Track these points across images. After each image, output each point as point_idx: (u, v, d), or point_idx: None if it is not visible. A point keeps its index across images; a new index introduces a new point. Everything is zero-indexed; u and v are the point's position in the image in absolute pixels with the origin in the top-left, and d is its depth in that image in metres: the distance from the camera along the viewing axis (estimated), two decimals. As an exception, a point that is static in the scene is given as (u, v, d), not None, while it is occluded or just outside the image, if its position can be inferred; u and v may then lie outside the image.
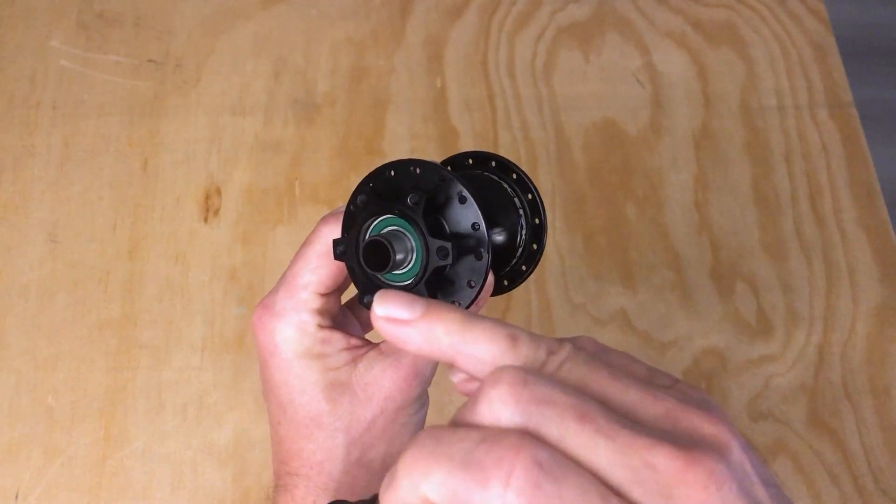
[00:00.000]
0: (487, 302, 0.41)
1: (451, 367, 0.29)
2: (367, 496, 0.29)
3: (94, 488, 0.61)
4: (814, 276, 0.72)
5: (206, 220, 0.72)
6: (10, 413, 0.63)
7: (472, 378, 0.28)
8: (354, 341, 0.42)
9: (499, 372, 0.24)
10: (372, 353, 0.41)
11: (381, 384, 0.40)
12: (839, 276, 0.72)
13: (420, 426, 0.43)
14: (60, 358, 0.66)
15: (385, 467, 0.42)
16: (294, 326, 0.41)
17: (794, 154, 0.77)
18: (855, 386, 0.68)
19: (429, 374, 0.41)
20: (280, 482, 0.42)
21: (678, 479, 0.22)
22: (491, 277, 0.38)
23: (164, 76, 0.77)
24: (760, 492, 0.24)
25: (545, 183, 0.75)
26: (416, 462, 0.23)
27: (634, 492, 0.22)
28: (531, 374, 0.24)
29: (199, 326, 0.67)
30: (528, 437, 0.23)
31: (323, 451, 0.41)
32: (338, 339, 0.41)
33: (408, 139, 0.76)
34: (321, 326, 0.41)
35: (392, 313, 0.28)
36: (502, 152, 0.73)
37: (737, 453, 0.23)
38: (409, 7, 0.83)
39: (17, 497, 0.61)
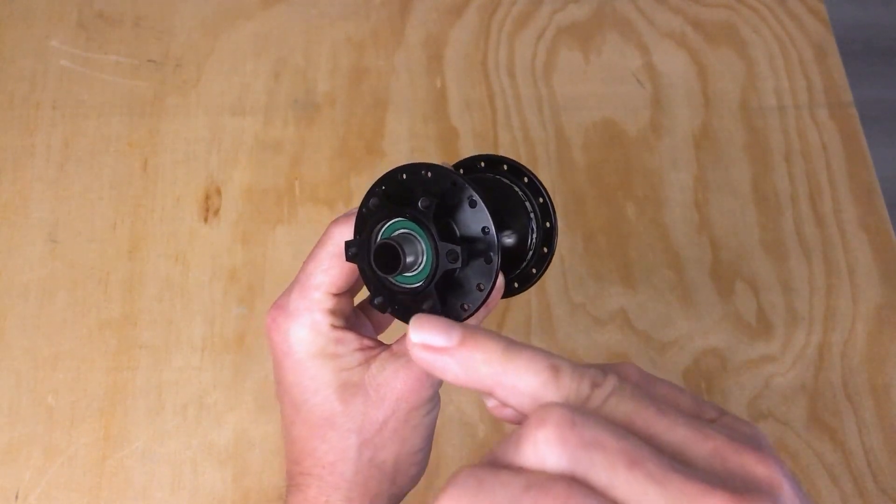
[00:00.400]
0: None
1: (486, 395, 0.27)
2: None
3: (94, 488, 0.61)
4: (814, 276, 0.72)
5: (206, 220, 0.71)
6: (10, 413, 0.63)
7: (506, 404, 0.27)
8: (367, 342, 0.42)
9: (544, 411, 0.23)
10: (384, 354, 0.41)
11: (393, 385, 0.40)
12: (839, 276, 0.72)
13: (431, 428, 0.43)
14: (60, 358, 0.65)
15: (396, 468, 0.42)
16: (308, 327, 0.41)
17: (793, 154, 0.77)
18: (855, 386, 0.68)
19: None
20: (293, 482, 0.42)
21: None
22: (501, 280, 0.38)
23: (164, 76, 0.77)
24: None
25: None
26: None
27: None
28: (579, 415, 0.23)
29: (199, 326, 0.67)
30: (576, 485, 0.22)
31: (335, 451, 0.41)
32: (351, 340, 0.41)
33: (408, 139, 0.76)
34: (334, 327, 0.41)
35: (428, 340, 0.27)
36: (502, 152, 0.73)
37: (788, 495, 0.23)
38: (409, 7, 0.83)
39: (17, 497, 0.61)
